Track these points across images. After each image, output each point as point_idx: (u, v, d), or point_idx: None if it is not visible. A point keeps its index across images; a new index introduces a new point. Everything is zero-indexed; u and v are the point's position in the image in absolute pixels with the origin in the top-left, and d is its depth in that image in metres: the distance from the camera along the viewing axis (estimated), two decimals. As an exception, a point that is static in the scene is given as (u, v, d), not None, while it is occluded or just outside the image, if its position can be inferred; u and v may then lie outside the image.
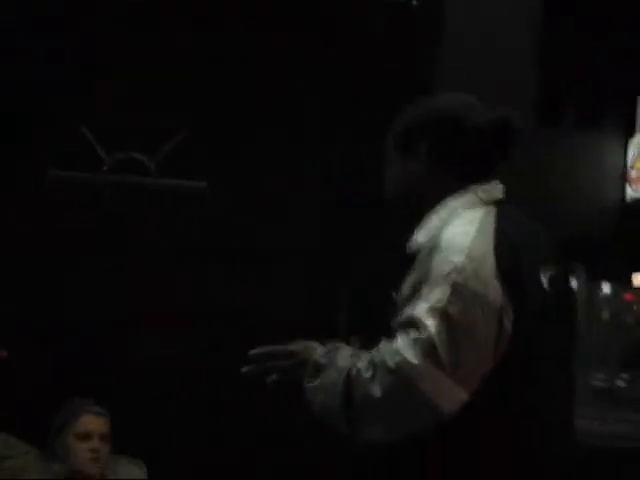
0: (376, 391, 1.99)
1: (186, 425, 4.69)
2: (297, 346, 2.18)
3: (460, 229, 2.12)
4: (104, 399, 4.08)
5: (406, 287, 2.11)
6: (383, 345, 2.06)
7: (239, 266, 4.79)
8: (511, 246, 2.11)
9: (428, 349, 1.97)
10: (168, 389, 4.74)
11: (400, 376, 1.97)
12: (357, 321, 4.26)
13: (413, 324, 2.01)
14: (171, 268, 4.86)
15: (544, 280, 2.17)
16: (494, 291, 2.04)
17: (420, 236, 2.22)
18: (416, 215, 2.28)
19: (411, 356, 1.97)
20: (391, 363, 1.98)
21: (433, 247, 2.10)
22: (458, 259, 2.05)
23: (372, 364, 2.03)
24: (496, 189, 2.29)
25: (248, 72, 4.81)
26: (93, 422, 3.94)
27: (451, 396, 1.99)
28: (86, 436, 3.90)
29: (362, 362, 2.06)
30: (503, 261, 2.07)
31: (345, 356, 2.11)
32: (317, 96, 4.84)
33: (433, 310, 2.00)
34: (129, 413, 4.35)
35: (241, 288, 4.77)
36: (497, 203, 2.26)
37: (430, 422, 2.00)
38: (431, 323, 1.98)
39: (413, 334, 1.99)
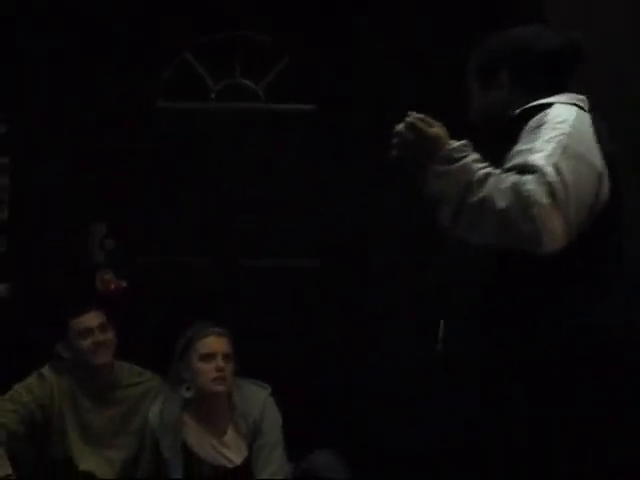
0: (501, 203, 2.20)
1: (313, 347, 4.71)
2: (434, 132, 2.40)
3: (563, 110, 2.41)
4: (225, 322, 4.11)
5: (519, 147, 2.34)
6: (506, 174, 2.26)
7: (347, 187, 4.75)
8: (605, 138, 2.41)
9: (550, 191, 2.19)
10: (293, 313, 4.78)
11: (525, 204, 2.18)
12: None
13: (532, 170, 2.22)
14: (279, 192, 4.86)
15: None
16: (596, 156, 2.32)
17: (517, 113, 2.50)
18: (501, 135, 2.51)
19: (539, 193, 2.18)
20: (523, 190, 2.19)
21: (540, 123, 2.36)
22: (565, 127, 2.32)
23: (502, 178, 2.25)
24: (579, 99, 2.54)
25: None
26: (216, 342, 3.97)
27: (556, 237, 2.21)
28: (210, 356, 3.94)
29: (492, 170, 2.29)
30: (601, 140, 2.37)
31: (476, 158, 2.33)
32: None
33: (549, 161, 2.23)
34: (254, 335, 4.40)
35: (352, 209, 4.74)
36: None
37: (527, 247, 2.22)
38: (550, 171, 2.21)
39: (534, 177, 2.21)
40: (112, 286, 4.65)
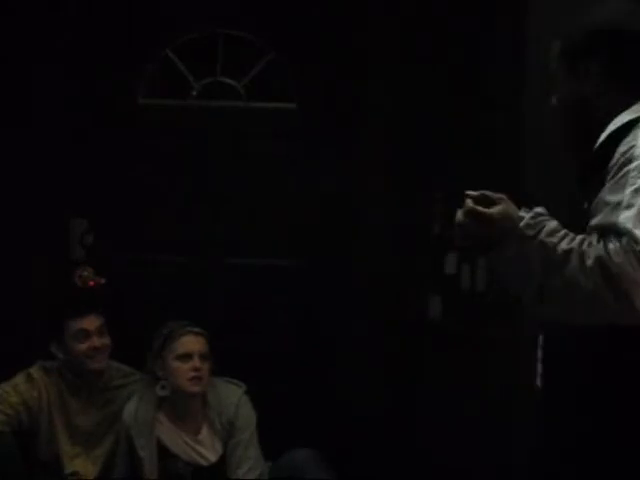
0: (588, 284, 1.94)
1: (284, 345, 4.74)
2: (498, 211, 2.06)
3: None
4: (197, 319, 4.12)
5: (603, 197, 2.03)
6: (591, 242, 1.98)
7: (328, 186, 4.77)
8: None
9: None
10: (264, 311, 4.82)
11: (615, 282, 1.92)
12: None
13: (619, 233, 1.95)
14: (259, 190, 4.88)
15: None
16: None
17: (602, 143, 2.16)
18: (579, 131, 2.23)
19: (626, 264, 1.92)
20: (611, 266, 1.92)
21: (629, 158, 2.02)
22: None
23: (584, 253, 1.96)
24: None
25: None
26: (193, 342, 3.97)
27: None
28: (187, 356, 3.93)
29: (571, 245, 1.99)
30: None
31: (550, 230, 2.02)
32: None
33: (637, 222, 1.94)
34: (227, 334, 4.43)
35: (332, 204, 4.77)
36: None
37: (621, 322, 1.97)
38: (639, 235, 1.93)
39: (624, 243, 1.93)
40: (91, 283, 4.64)
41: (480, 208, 2.06)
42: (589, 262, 1.94)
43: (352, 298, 4.70)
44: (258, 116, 4.88)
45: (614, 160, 2.04)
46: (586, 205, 2.11)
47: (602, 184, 2.04)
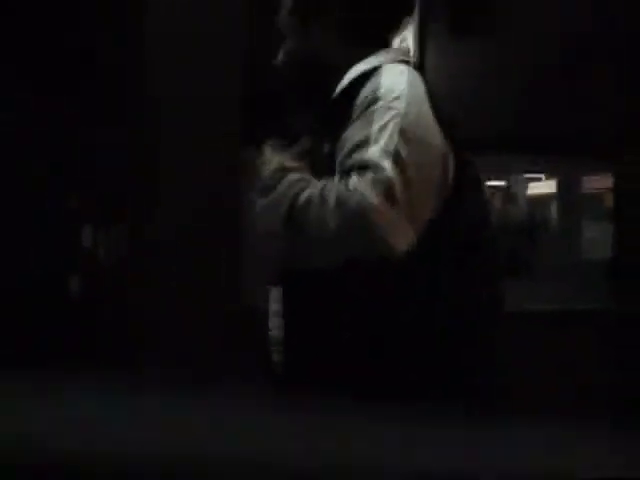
0: (331, 223, 2.02)
1: None
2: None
3: (393, 79, 2.15)
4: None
5: (351, 137, 2.11)
6: (334, 184, 2.06)
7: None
8: (439, 98, 2.20)
9: (386, 189, 2.01)
10: None
11: (358, 214, 2.00)
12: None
13: (367, 166, 2.03)
14: None
15: None
16: (437, 136, 2.12)
17: (343, 90, 2.24)
18: (314, 86, 2.32)
19: (371, 195, 2.00)
20: (350, 201, 2.01)
21: (372, 98, 2.12)
22: (400, 105, 2.09)
23: (324, 197, 2.05)
24: (404, 52, 2.36)
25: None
26: None
27: (403, 234, 2.04)
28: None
29: (312, 191, 2.08)
30: (439, 109, 2.16)
31: (292, 180, 2.12)
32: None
33: (386, 153, 2.03)
34: None
35: None
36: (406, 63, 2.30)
37: (379, 258, 2.04)
38: (387, 164, 2.02)
39: (369, 175, 2.01)
40: None
41: None
42: (330, 202, 2.02)
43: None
44: None
45: (358, 102, 2.13)
46: (326, 149, 2.19)
47: (344, 126, 2.13)
